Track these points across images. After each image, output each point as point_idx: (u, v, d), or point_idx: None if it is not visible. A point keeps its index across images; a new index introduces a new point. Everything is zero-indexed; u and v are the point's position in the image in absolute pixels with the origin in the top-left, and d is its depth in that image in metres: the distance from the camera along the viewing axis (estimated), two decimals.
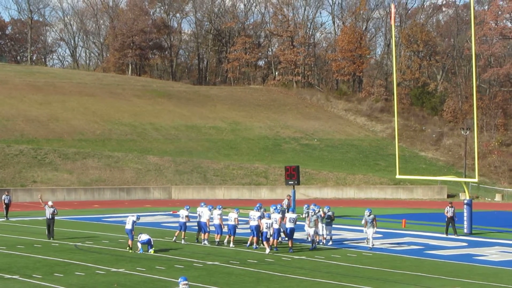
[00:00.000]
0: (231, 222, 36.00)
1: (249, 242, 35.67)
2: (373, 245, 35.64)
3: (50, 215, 37.85)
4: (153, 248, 33.41)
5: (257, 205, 36.90)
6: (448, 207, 41.38)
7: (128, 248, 33.85)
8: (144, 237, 33.61)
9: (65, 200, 67.62)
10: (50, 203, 38.68)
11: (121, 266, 29.55)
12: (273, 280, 27.16)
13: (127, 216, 36.09)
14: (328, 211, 37.48)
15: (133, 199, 69.82)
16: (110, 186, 71.66)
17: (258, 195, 72.96)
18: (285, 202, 46.20)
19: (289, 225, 34.49)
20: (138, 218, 34.54)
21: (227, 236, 36.36)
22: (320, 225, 36.43)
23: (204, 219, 36.44)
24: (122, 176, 74.50)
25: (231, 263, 30.73)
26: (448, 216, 41.17)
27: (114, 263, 30.16)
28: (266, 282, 26.77)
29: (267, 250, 33.76)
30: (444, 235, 41.02)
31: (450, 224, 41.34)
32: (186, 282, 18.53)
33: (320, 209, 37.28)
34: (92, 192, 70.13)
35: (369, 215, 35.53)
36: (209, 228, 36.58)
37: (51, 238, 37.74)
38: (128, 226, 33.83)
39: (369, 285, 26.24)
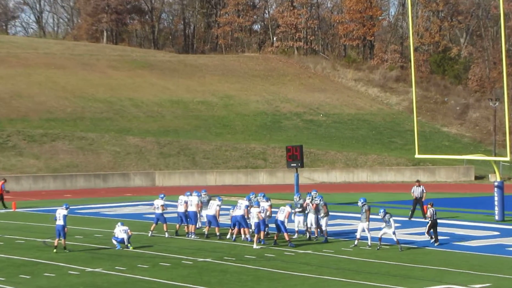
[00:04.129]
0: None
1: (232, 235, 35.73)
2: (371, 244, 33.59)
3: None
4: (132, 245, 33.27)
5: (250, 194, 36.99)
6: None
7: (54, 249, 32.60)
8: (120, 234, 33.36)
9: (31, 189, 67.50)
10: None
11: (98, 265, 29.43)
12: (274, 278, 27.07)
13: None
14: (299, 200, 35.91)
15: (110, 186, 69.77)
16: (84, 173, 71.57)
17: (256, 180, 72.87)
18: (414, 190, 44.47)
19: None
20: (67, 207, 32.78)
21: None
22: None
23: (193, 208, 36.39)
24: (98, 161, 74.43)
25: (225, 259, 30.65)
26: None
27: (89, 262, 30.05)
28: (267, 280, 26.68)
29: (256, 245, 33.61)
30: None
31: None
32: None
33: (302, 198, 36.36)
34: (63, 179, 69.97)
35: (362, 205, 33.81)
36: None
37: None
38: (60, 222, 32.27)
39: (386, 282, 26.14)
